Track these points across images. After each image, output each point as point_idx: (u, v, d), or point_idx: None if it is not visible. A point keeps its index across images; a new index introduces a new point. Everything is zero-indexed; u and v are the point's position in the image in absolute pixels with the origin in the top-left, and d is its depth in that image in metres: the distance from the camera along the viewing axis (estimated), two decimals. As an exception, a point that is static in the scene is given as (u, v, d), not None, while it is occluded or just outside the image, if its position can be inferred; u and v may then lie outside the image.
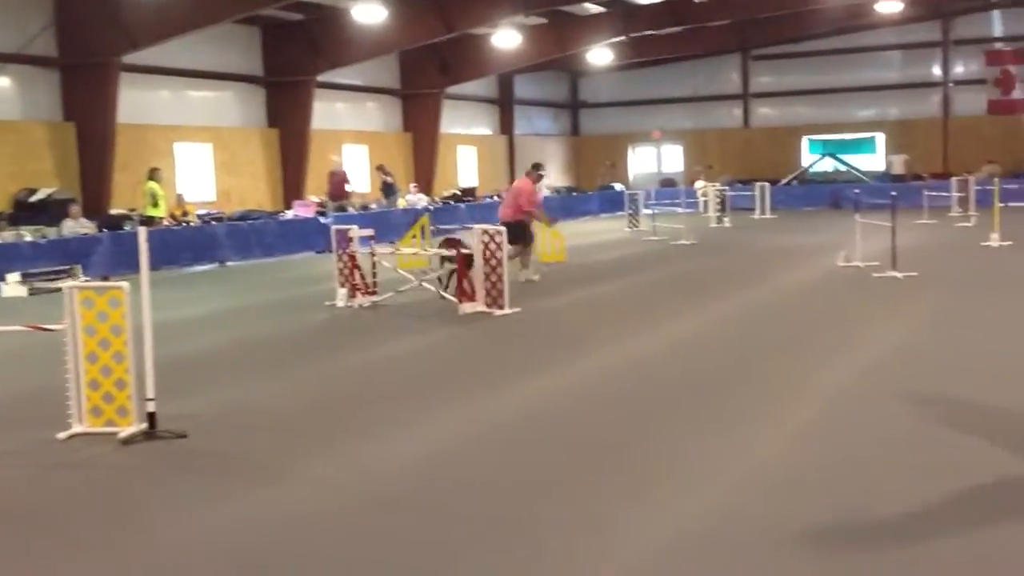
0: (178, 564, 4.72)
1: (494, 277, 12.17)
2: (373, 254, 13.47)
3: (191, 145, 25.43)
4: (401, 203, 27.28)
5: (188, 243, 19.85)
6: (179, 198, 23.15)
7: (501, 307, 12.08)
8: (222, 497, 5.62)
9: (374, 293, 13.33)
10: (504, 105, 39.41)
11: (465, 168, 36.73)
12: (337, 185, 24.91)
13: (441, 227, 21.00)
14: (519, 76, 38.81)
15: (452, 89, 34.00)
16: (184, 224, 21.37)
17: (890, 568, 4.34)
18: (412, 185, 30.00)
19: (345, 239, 13.32)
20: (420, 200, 28.09)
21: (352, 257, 13.23)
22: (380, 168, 27.88)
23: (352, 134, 31.06)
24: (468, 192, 32.16)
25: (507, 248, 15.72)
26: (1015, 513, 4.94)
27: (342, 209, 23.80)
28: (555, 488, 5.58)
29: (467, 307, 12.11)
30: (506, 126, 39.47)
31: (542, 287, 14.52)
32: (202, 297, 15.27)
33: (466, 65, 32.83)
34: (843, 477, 5.56)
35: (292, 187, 27.34)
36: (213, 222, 21.60)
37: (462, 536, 4.89)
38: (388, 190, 27.31)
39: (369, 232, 13.72)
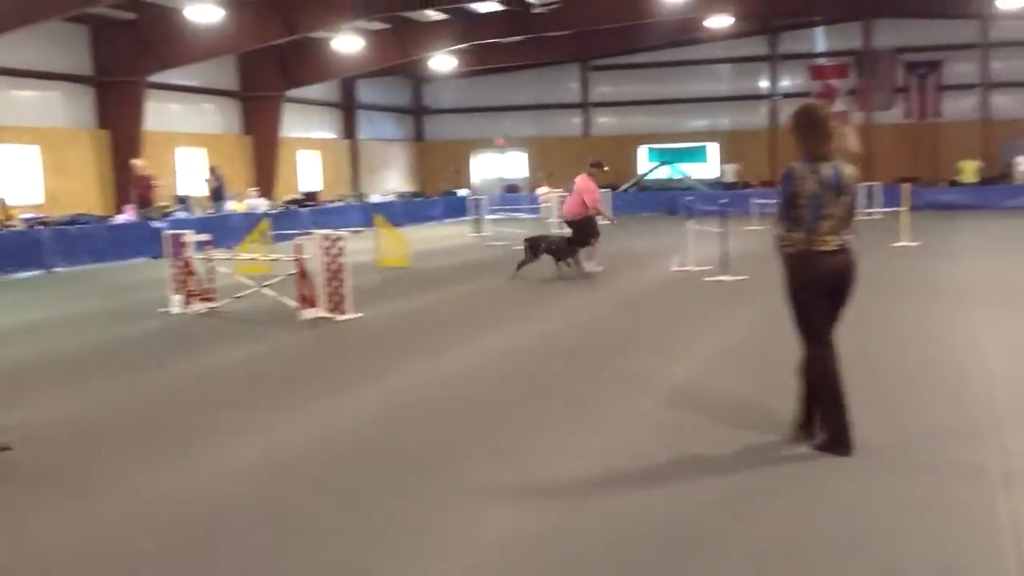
0: (-3, 580, 4.55)
1: (336, 282, 12.09)
2: (210, 259, 13.17)
3: (15, 147, 24.23)
4: (240, 207, 26.68)
5: (12, 248, 18.92)
6: (0, 201, 22.04)
7: (343, 312, 12.02)
8: (45, 509, 5.44)
9: (211, 299, 13.03)
10: (347, 109, 39.12)
11: (308, 172, 36.25)
12: (143, 190, 23.85)
13: (285, 231, 20.64)
14: (363, 81, 38.60)
15: (293, 92, 33.54)
16: (7, 228, 20.34)
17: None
18: (252, 189, 29.39)
19: (179, 244, 12.99)
20: (260, 204, 27.53)
21: (187, 263, 12.91)
22: (212, 171, 27.21)
23: (188, 136, 30.22)
24: (311, 196, 31.74)
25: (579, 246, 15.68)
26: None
27: (150, 216, 22.78)
28: (389, 492, 5.62)
29: (308, 312, 11.99)
30: (349, 130, 39.19)
31: (385, 292, 14.50)
32: (27, 304, 14.61)
33: (307, 68, 32.49)
34: (666, 470, 5.83)
35: (124, 191, 26.27)
36: (39, 226, 20.64)
37: (288, 542, 4.88)
38: (216, 193, 26.66)
39: (206, 237, 13.41)
